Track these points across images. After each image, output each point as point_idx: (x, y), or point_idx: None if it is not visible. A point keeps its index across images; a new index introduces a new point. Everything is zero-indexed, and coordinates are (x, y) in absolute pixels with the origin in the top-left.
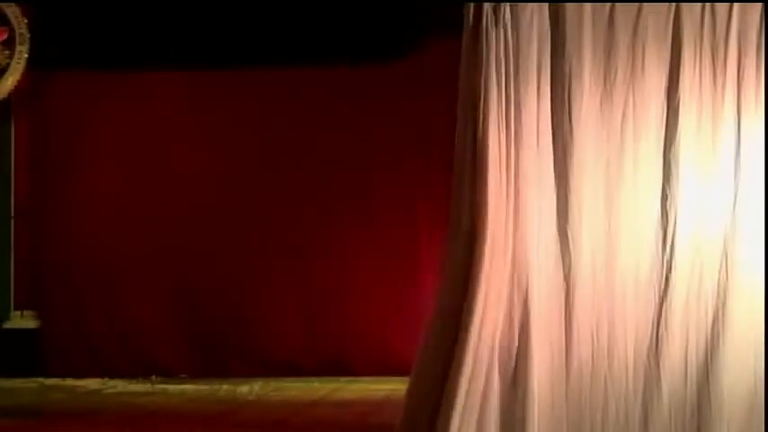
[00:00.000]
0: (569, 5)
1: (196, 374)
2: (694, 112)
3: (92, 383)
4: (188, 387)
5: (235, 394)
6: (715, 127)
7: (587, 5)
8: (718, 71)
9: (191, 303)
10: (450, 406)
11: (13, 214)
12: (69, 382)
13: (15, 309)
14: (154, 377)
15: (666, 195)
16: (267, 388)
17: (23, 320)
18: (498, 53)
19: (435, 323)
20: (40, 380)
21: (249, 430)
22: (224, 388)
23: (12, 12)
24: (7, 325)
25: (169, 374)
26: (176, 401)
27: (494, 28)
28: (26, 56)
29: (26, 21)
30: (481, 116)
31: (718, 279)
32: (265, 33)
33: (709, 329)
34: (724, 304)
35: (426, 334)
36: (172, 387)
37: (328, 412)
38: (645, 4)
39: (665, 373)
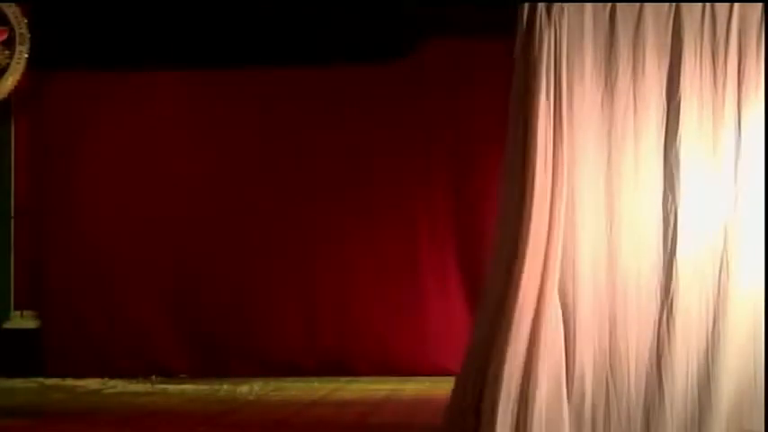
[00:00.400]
0: (570, 5)
1: (196, 374)
2: (695, 112)
3: (92, 383)
4: (188, 387)
5: (235, 394)
6: (716, 127)
7: (588, 5)
8: (719, 71)
9: (191, 303)
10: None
11: (13, 214)
12: (69, 382)
13: (15, 309)
14: (154, 377)
15: (667, 196)
16: (267, 388)
17: (23, 320)
18: (550, 52)
19: (481, 318)
20: (40, 380)
21: (249, 430)
22: (224, 388)
23: (12, 12)
24: (7, 325)
25: (169, 374)
26: (176, 401)
27: (547, 28)
28: (26, 56)
29: (26, 21)
30: (533, 116)
31: (720, 280)
32: (265, 33)
33: (710, 331)
34: (725, 306)
35: (474, 329)
36: (172, 387)
37: (328, 412)
38: (645, 4)
39: (666, 375)
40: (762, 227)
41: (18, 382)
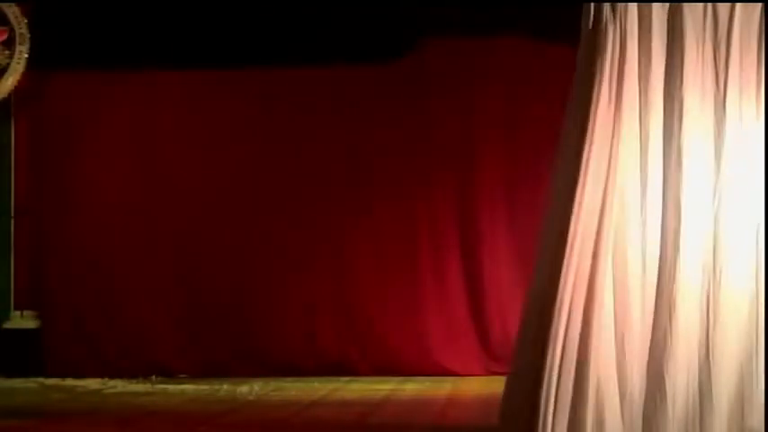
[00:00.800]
0: (630, 4)
1: (196, 374)
2: (696, 112)
3: (92, 383)
4: (188, 387)
5: (235, 394)
6: (717, 127)
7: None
8: (720, 72)
9: (191, 303)
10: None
11: (13, 213)
12: (69, 382)
13: (15, 309)
14: (154, 377)
15: (670, 197)
16: (267, 388)
17: (23, 320)
18: (614, 53)
19: (529, 314)
20: (40, 380)
21: (249, 430)
22: (224, 388)
23: (12, 12)
24: (7, 325)
25: (169, 374)
26: (176, 401)
27: (612, 26)
28: (26, 56)
29: (26, 21)
30: (591, 116)
31: (721, 280)
32: (265, 33)
33: (711, 331)
34: (726, 305)
35: (521, 326)
36: (172, 387)
37: (328, 412)
38: (646, 3)
39: (667, 375)
40: (762, 226)
41: (18, 382)
